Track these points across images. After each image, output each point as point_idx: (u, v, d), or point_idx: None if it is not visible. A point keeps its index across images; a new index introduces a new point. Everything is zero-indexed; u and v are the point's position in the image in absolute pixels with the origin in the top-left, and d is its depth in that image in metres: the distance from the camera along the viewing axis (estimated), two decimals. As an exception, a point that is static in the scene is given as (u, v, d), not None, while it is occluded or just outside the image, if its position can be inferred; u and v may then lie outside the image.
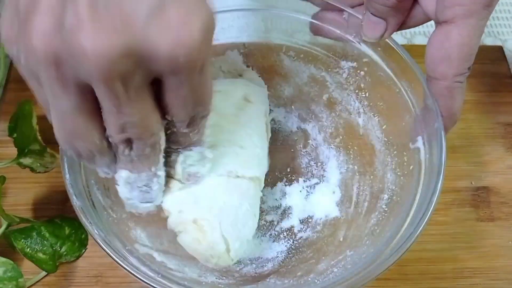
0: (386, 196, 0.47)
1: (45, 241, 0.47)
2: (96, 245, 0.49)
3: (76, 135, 0.32)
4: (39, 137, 0.53)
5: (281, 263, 0.48)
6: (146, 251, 0.42)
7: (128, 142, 0.33)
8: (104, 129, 0.32)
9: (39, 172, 0.52)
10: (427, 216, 0.40)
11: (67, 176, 0.40)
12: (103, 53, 0.26)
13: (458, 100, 0.43)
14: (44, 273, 0.48)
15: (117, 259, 0.37)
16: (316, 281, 0.42)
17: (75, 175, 0.40)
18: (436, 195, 0.40)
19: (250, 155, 0.45)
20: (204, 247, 0.40)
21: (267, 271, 0.47)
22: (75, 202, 0.39)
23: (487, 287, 0.50)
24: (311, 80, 0.55)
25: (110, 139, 0.33)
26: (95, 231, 0.38)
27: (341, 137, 0.54)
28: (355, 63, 0.51)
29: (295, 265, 0.47)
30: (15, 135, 0.50)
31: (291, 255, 0.49)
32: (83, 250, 0.49)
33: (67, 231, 0.49)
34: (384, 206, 0.46)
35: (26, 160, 0.51)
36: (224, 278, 0.45)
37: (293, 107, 0.57)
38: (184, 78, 0.29)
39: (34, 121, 0.53)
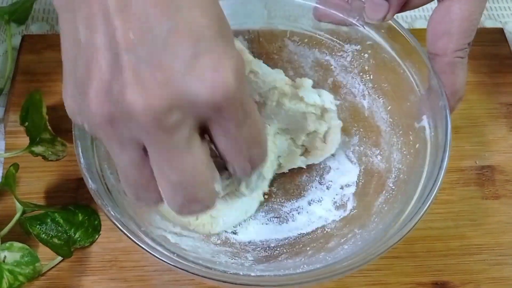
0: (393, 175, 0.48)
1: (59, 227, 0.48)
2: (110, 231, 0.51)
3: (139, 186, 0.33)
4: (49, 127, 0.54)
5: (291, 244, 0.49)
6: (160, 233, 0.43)
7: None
8: None
9: (50, 160, 0.53)
10: (435, 191, 0.41)
11: (82, 160, 0.40)
12: (149, 108, 0.28)
13: (460, 76, 0.43)
14: (59, 258, 0.49)
15: (134, 239, 0.37)
16: (327, 258, 0.43)
17: (89, 160, 0.41)
18: (443, 170, 0.41)
19: None
20: None
21: (278, 252, 0.48)
22: (91, 185, 0.40)
23: (494, 262, 0.51)
24: (315, 64, 0.55)
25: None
26: (111, 212, 0.38)
27: (346, 120, 0.55)
28: (359, 46, 0.52)
29: (305, 244, 0.48)
30: (26, 123, 0.51)
31: (300, 235, 0.50)
32: (97, 236, 0.50)
33: (80, 217, 0.50)
34: (391, 185, 0.47)
35: (38, 149, 0.52)
36: (236, 258, 0.46)
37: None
38: (228, 119, 0.30)
39: (44, 110, 0.54)
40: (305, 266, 0.42)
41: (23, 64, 0.62)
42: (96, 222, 0.50)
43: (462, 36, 0.41)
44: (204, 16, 0.29)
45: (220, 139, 0.32)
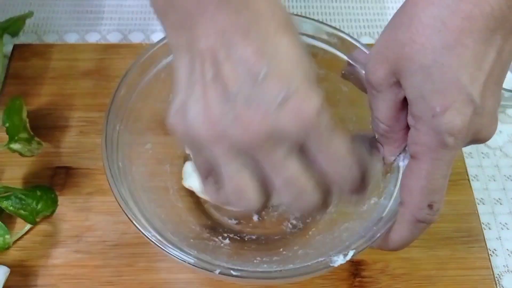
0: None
1: (23, 201, 0.56)
2: (78, 212, 0.59)
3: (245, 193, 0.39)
4: (29, 127, 0.61)
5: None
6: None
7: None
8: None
9: (26, 156, 0.60)
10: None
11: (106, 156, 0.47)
12: (251, 140, 0.36)
13: (406, 235, 0.43)
14: (26, 229, 0.57)
15: (139, 227, 0.44)
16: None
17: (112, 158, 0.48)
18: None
19: None
20: None
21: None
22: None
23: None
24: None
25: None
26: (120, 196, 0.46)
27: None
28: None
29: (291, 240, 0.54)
30: (7, 124, 0.58)
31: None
32: (56, 206, 0.59)
33: (39, 193, 0.58)
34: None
35: (16, 146, 0.58)
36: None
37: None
38: (317, 139, 0.37)
39: (24, 114, 0.61)
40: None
41: (13, 70, 0.69)
42: (53, 196, 0.59)
43: (421, 196, 0.41)
44: (295, 62, 0.36)
45: (317, 155, 0.38)
